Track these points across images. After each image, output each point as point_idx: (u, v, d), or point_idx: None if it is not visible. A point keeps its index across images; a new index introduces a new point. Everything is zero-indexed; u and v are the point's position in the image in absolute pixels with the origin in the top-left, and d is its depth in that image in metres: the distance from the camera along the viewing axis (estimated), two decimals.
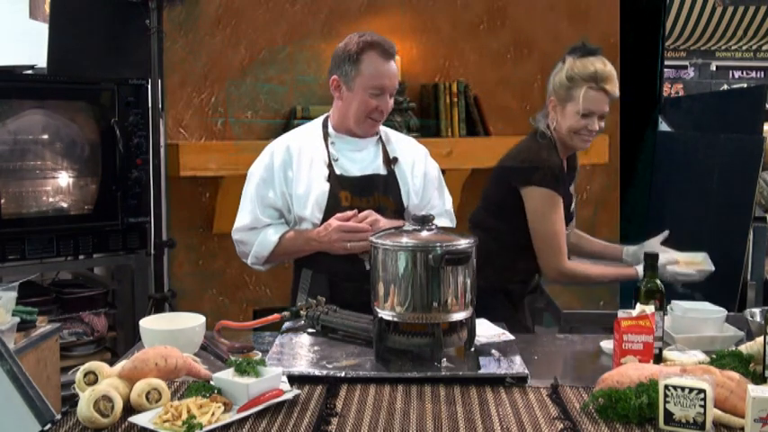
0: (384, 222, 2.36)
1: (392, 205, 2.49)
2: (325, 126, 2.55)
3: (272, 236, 2.48)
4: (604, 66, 2.61)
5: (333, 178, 2.46)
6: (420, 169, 2.56)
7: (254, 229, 2.50)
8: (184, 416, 1.59)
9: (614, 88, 2.62)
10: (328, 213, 2.43)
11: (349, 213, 2.36)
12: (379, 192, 2.48)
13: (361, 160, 2.51)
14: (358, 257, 2.38)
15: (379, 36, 2.47)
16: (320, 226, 2.42)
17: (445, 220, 2.57)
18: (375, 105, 2.43)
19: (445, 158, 2.67)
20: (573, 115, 2.63)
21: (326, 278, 2.47)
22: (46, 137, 3.48)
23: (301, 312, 2.25)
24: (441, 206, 2.59)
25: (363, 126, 2.49)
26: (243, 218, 2.52)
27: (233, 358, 1.93)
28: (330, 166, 2.47)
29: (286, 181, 2.48)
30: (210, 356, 2.06)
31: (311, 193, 2.45)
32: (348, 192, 2.46)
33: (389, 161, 2.52)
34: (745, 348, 1.89)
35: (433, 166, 2.62)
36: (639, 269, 2.49)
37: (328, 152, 2.49)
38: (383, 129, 2.59)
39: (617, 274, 2.79)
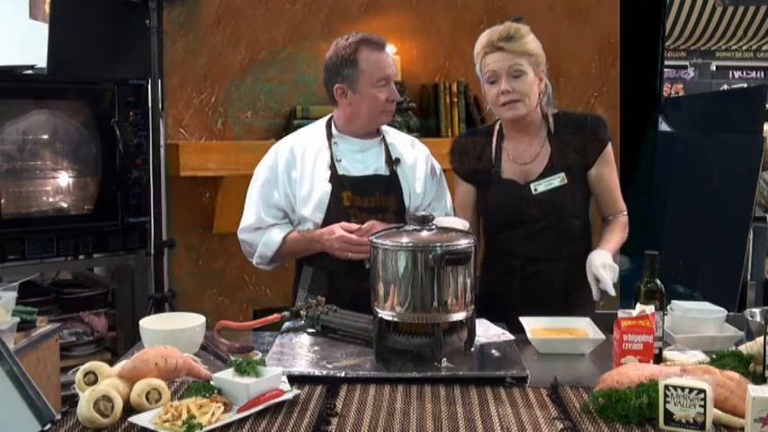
0: None
1: (394, 205, 2.50)
2: (329, 127, 2.56)
3: (276, 236, 2.49)
4: (502, 28, 2.37)
5: (335, 179, 2.47)
6: (422, 170, 2.57)
7: (259, 229, 2.52)
8: (184, 416, 1.59)
9: (513, 44, 2.34)
10: (330, 213, 2.44)
11: (353, 226, 2.37)
12: (381, 192, 2.49)
13: (363, 161, 2.52)
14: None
15: (364, 33, 2.50)
16: (321, 226, 2.43)
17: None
18: (386, 96, 2.46)
19: (445, 158, 2.66)
20: (485, 87, 2.43)
21: (327, 276, 2.48)
22: (46, 137, 3.47)
23: (301, 312, 2.26)
24: (441, 207, 2.59)
25: (380, 119, 2.51)
26: (247, 218, 2.53)
27: (233, 358, 1.92)
28: (333, 166, 2.48)
29: (290, 181, 2.50)
30: (210, 356, 2.06)
31: (313, 194, 2.46)
32: (350, 192, 2.46)
33: (392, 162, 2.53)
34: (745, 348, 1.89)
35: (435, 167, 2.63)
36: None
37: (331, 153, 2.50)
38: (385, 129, 2.60)
39: None
